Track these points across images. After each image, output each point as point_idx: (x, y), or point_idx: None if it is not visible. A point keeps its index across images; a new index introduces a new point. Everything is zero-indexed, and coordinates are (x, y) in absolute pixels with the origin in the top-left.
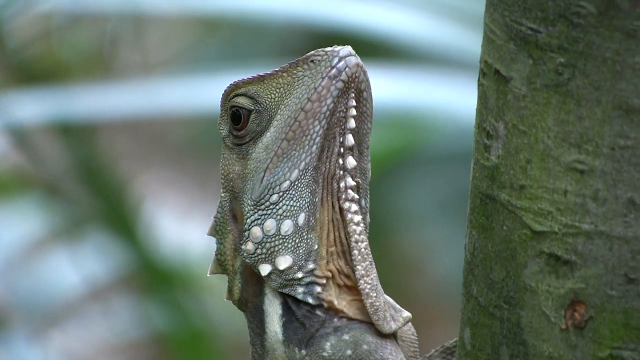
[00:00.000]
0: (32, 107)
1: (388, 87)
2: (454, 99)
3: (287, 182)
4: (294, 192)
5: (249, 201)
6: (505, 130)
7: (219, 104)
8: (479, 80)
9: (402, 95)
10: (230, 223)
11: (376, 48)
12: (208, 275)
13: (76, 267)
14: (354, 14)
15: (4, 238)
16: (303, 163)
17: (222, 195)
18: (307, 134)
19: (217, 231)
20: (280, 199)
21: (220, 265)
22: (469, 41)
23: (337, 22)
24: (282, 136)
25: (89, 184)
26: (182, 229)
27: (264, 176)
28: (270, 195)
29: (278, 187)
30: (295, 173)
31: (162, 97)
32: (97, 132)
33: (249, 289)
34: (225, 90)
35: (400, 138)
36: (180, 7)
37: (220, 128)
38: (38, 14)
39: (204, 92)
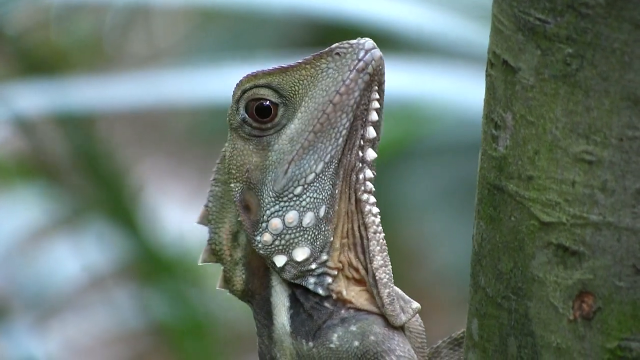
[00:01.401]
0: (33, 97)
1: (390, 78)
2: (456, 89)
3: (313, 175)
4: (317, 185)
5: (270, 192)
6: (513, 121)
7: (228, 94)
8: (487, 70)
9: (403, 85)
10: (242, 214)
11: (379, 39)
12: (199, 264)
13: (77, 256)
14: (356, 5)
15: (5, 227)
16: (329, 156)
17: (232, 185)
18: (334, 127)
19: (210, 220)
20: (304, 191)
21: (215, 254)
22: (473, 32)
23: (339, 13)
24: (309, 128)
25: (90, 173)
26: (182, 218)
27: (288, 168)
28: (295, 188)
29: (304, 179)
30: (320, 165)
31: (162, 87)
32: (97, 120)
33: (256, 281)
34: (240, 81)
35: (402, 128)
36: None
37: (232, 118)
38: (38, 3)
39: (204, 83)
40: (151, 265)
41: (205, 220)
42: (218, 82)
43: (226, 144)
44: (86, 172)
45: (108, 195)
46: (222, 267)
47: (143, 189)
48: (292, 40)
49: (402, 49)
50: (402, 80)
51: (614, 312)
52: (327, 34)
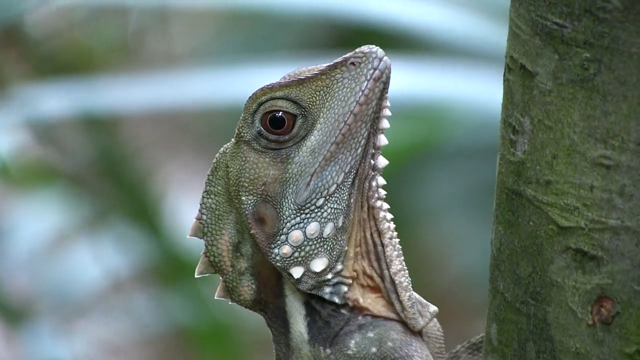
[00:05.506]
0: (56, 99)
1: (410, 80)
2: (476, 91)
3: (334, 186)
4: (337, 195)
5: (291, 205)
6: (531, 126)
7: (245, 103)
8: (504, 75)
9: (424, 87)
10: (254, 227)
11: (398, 40)
12: (196, 276)
13: (99, 259)
14: (376, 6)
15: (28, 230)
16: (349, 166)
17: (243, 198)
18: (355, 137)
19: (205, 233)
20: (326, 202)
21: (213, 266)
22: (495, 33)
23: (359, 15)
24: (331, 140)
25: (112, 176)
26: None
27: (310, 180)
28: (317, 199)
29: (326, 190)
30: (341, 176)
31: (185, 89)
32: (121, 122)
33: (268, 291)
34: (255, 94)
35: (423, 131)
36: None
37: (244, 131)
38: (62, 6)
39: (227, 84)
40: (173, 268)
41: (199, 233)
42: (241, 84)
43: (220, 157)
44: (108, 175)
45: (130, 198)
46: (222, 278)
47: (165, 193)
48: (314, 42)
49: (423, 50)
50: (423, 82)
51: (633, 316)
52: (349, 35)
